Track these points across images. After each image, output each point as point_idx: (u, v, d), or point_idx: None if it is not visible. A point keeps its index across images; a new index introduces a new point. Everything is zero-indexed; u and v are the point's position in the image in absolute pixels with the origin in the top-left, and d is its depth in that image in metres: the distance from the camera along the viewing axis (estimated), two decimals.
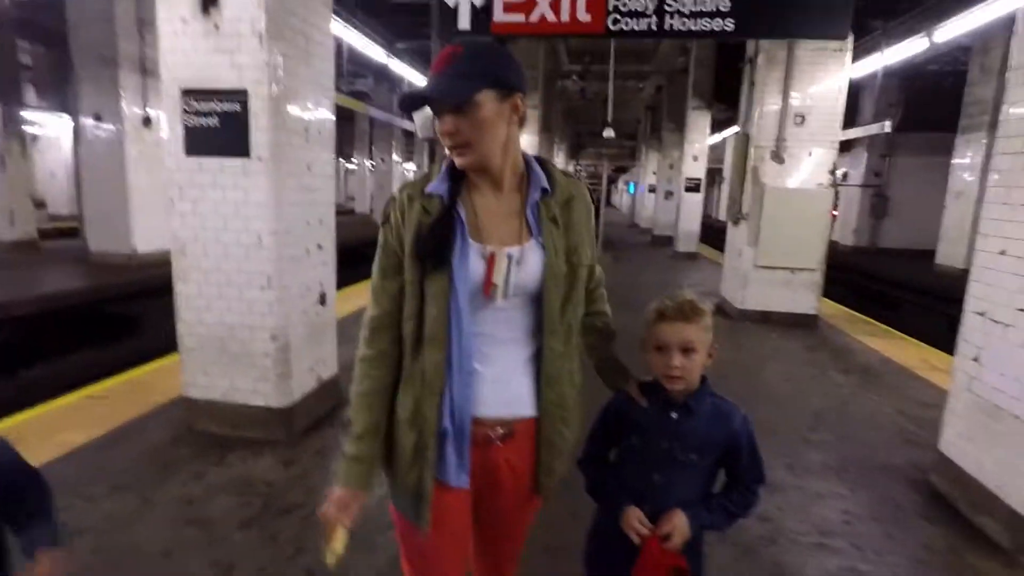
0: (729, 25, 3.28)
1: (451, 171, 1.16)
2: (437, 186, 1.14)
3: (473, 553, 1.34)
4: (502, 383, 1.16)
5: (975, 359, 2.72)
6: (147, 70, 8.47)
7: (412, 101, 1.10)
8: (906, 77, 14.69)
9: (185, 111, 2.91)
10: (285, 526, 2.41)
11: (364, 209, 23.01)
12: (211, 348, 3.14)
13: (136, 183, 8.53)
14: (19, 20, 11.09)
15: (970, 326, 2.79)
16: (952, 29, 6.25)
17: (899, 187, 16.18)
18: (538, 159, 1.21)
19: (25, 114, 11.08)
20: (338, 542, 1.11)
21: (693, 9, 3.26)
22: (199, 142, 2.94)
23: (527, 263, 1.12)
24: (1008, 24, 7.00)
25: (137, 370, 4.24)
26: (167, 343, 6.06)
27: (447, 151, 1.13)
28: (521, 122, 1.14)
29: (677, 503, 1.25)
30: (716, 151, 18.79)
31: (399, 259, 1.15)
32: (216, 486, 2.70)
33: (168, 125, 2.96)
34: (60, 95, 15.05)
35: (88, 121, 8.40)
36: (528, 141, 11.55)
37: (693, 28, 3.32)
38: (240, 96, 2.85)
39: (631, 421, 1.32)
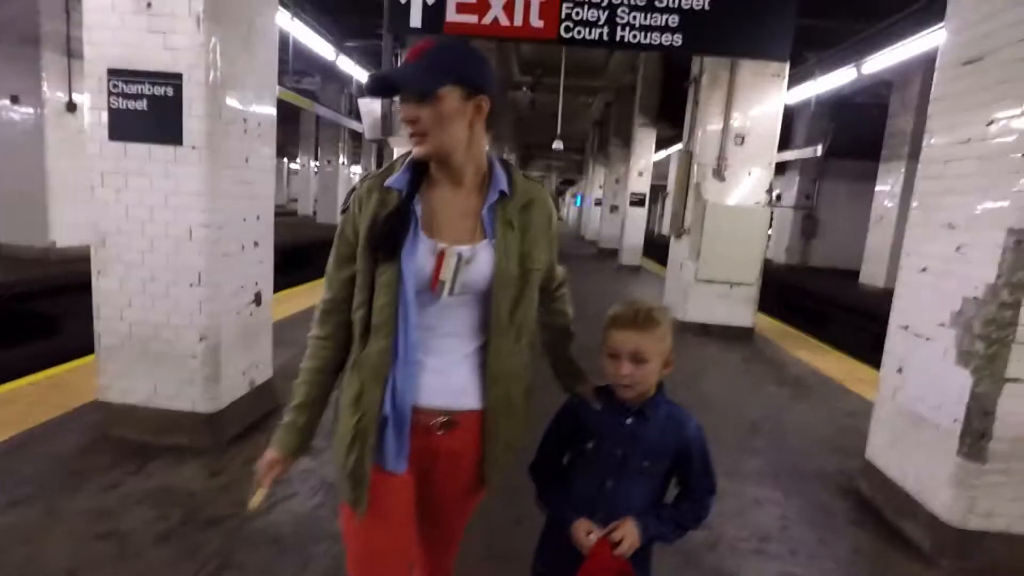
0: (677, 40, 3.37)
1: (413, 166, 1.17)
2: (397, 179, 1.16)
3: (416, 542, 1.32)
4: (445, 375, 1.18)
5: (899, 370, 2.86)
6: (73, 52, 7.93)
7: (379, 84, 1.13)
8: (835, 106, 15.62)
9: (111, 92, 2.71)
10: (207, 539, 2.24)
11: (307, 211, 22.34)
12: (132, 348, 2.92)
13: (56, 171, 7.95)
14: None
15: (894, 339, 2.94)
16: (878, 63, 6.70)
17: (827, 209, 17.14)
18: (503, 162, 1.23)
19: None
20: (256, 497, 1.23)
21: (644, 23, 3.34)
22: (125, 126, 2.74)
23: (477, 263, 1.13)
24: (924, 61, 7.59)
25: (49, 371, 3.90)
26: (87, 344, 5.65)
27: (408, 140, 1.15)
28: (488, 124, 1.16)
29: (629, 510, 1.23)
30: (660, 168, 19.36)
31: (353, 248, 1.17)
32: (132, 497, 2.49)
33: (91, 107, 2.74)
34: None
35: (3, 102, 7.77)
36: None
37: (643, 41, 3.40)
38: (174, 80, 2.67)
39: (585, 426, 1.30)
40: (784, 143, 15.70)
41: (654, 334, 1.20)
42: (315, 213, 21.38)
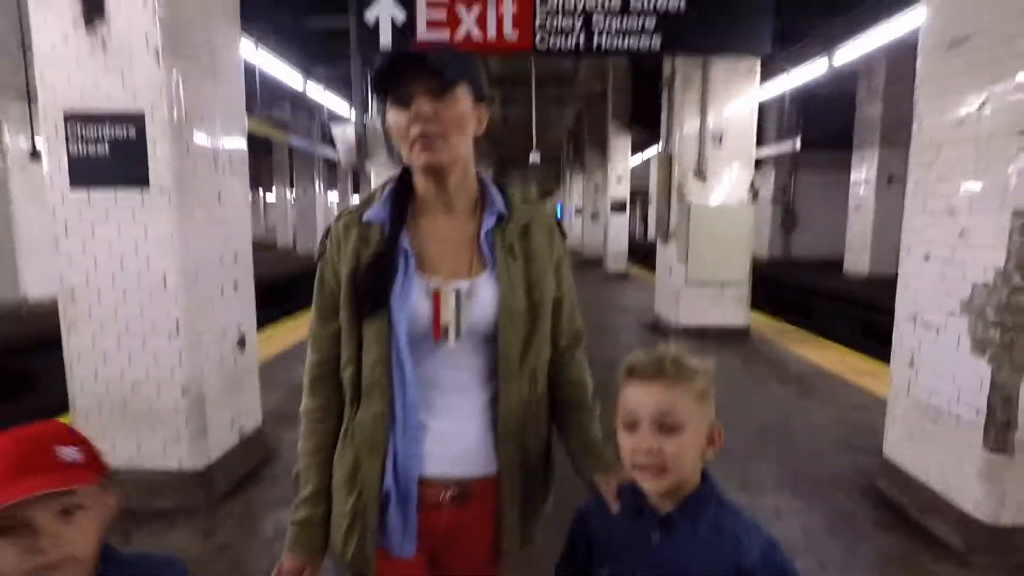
0: (656, 43, 3.31)
1: (394, 196, 1.01)
2: (377, 212, 1.00)
3: None
4: (453, 437, 1.01)
5: (910, 363, 2.79)
6: (33, 97, 7.71)
7: (394, 62, 0.92)
8: (802, 100, 15.87)
9: (69, 137, 2.56)
10: None
11: (286, 242, 22.05)
12: (111, 408, 2.73)
13: (25, 223, 7.69)
14: None
15: (903, 332, 2.86)
16: (848, 53, 6.79)
17: (805, 202, 17.35)
18: (496, 182, 1.07)
19: None
20: None
21: (620, 27, 3.27)
22: (86, 172, 2.58)
23: (479, 299, 0.98)
24: (887, 49, 7.69)
25: None
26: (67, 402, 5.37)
27: (406, 153, 0.95)
28: (477, 136, 1.01)
29: None
30: (636, 172, 19.48)
31: (337, 299, 1.01)
32: None
33: (48, 153, 2.59)
34: None
35: None
36: None
37: (620, 46, 3.33)
38: (135, 120, 2.53)
39: (598, 544, 0.95)
40: (758, 140, 15.94)
41: (690, 388, 0.84)
42: (294, 244, 21.10)
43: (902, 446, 2.85)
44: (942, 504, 2.53)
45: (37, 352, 6.74)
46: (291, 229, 21.59)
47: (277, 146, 19.78)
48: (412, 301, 0.96)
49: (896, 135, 10.67)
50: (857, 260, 12.14)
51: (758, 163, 17.28)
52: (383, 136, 4.94)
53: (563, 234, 1.12)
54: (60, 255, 2.68)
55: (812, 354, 5.84)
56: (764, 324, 7.47)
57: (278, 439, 3.54)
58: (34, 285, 7.80)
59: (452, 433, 1.00)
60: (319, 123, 17.60)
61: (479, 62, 0.99)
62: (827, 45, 7.17)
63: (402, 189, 1.02)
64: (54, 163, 2.60)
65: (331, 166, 21.17)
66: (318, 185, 19.67)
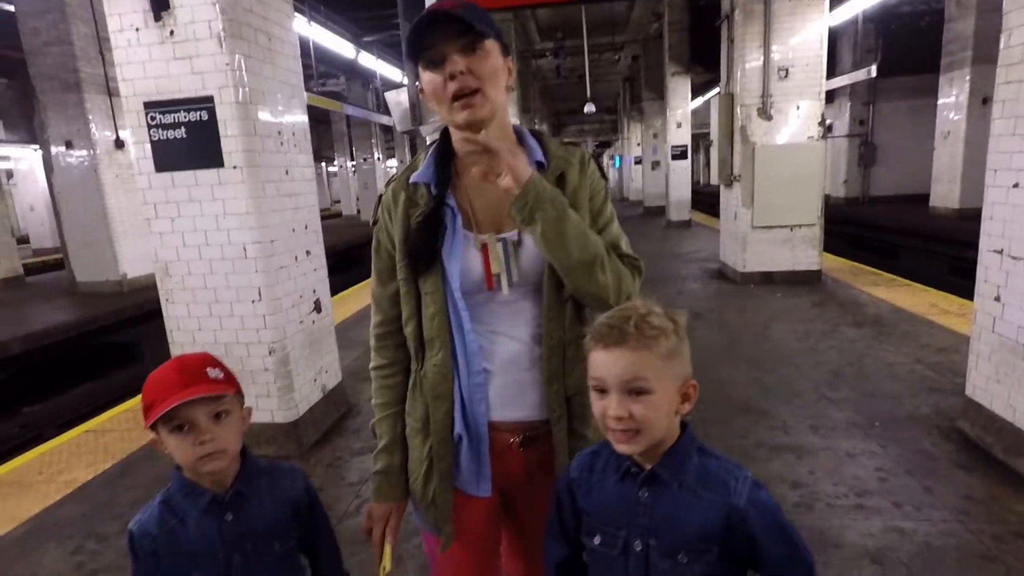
0: None
1: (438, 156, 1.05)
2: (422, 173, 1.04)
3: (505, 555, 1.24)
4: (516, 386, 1.05)
5: (996, 298, 2.63)
6: (113, 91, 8.25)
7: (423, 22, 0.92)
8: (881, 21, 14.50)
9: (150, 125, 2.76)
10: None
11: (351, 211, 22.77)
12: None
13: (117, 207, 8.35)
14: None
15: (987, 265, 2.69)
16: None
17: (885, 134, 16.06)
18: (532, 131, 1.09)
19: None
20: (387, 558, 1.10)
21: None
22: (169, 156, 2.79)
23: (526, 248, 1.01)
24: None
25: (136, 399, 4.12)
26: None
27: (446, 112, 0.97)
28: (508, 90, 1.02)
29: None
30: (697, 115, 18.58)
31: (393, 260, 1.06)
32: None
33: (134, 142, 2.82)
34: (29, 126, 14.76)
35: (59, 150, 8.19)
36: None
37: None
38: (205, 103, 2.70)
39: (586, 513, 0.91)
40: (830, 68, 14.78)
41: (655, 349, 0.81)
42: (358, 211, 21.76)
43: (987, 385, 2.71)
44: None
45: (144, 324, 7.44)
46: (354, 197, 22.22)
47: (335, 117, 20.21)
48: (462, 255, 1.00)
49: (992, 51, 9.60)
50: (946, 193, 11.23)
51: (831, 95, 16.16)
52: None
53: (603, 174, 1.10)
54: (152, 235, 2.93)
55: (891, 295, 5.55)
56: (839, 266, 7.13)
57: (357, 394, 3.79)
58: (130, 266, 8.51)
59: (515, 381, 1.04)
60: (373, 91, 17.84)
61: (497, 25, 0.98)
62: None
63: (444, 149, 1.05)
64: (140, 150, 2.82)
65: (387, 132, 21.46)
66: (377, 153, 20.07)
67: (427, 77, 0.96)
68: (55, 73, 7.95)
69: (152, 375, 0.98)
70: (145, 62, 2.71)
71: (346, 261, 11.99)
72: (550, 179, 1.01)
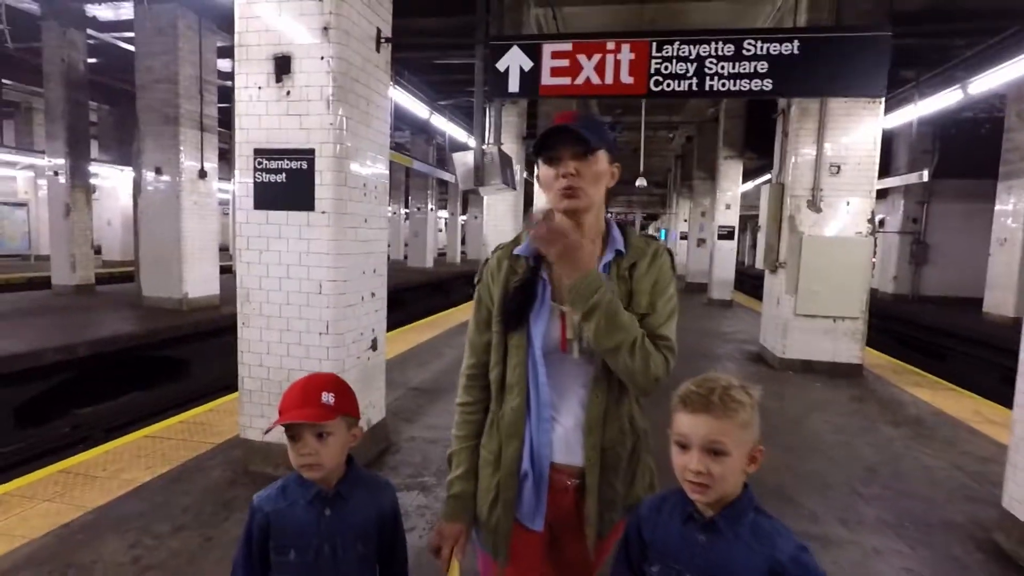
0: (767, 85, 3.44)
1: None
2: (525, 248, 1.26)
3: None
4: (573, 432, 1.22)
5: None
6: (205, 127, 9.07)
7: (549, 132, 1.19)
8: (940, 125, 14.64)
9: (256, 169, 3.15)
10: None
11: (397, 255, 23.55)
12: (269, 391, 3.28)
13: (190, 231, 9.01)
14: (90, 82, 12.04)
15: None
16: (987, 82, 6.32)
17: (938, 234, 15.87)
18: (619, 223, 1.31)
19: (90, 167, 11.85)
20: (454, 571, 1.23)
21: (732, 71, 3.43)
22: (267, 197, 3.16)
23: None
24: None
25: (193, 411, 4.41)
26: (218, 384, 6.27)
27: (553, 199, 1.20)
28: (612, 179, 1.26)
29: None
30: (747, 198, 18.83)
31: (491, 314, 1.27)
32: None
33: (239, 182, 3.20)
34: (120, 150, 16.10)
35: (149, 174, 8.96)
36: None
37: (732, 88, 3.49)
38: (308, 155, 3.07)
39: (651, 543, 1.06)
40: (884, 166, 14.88)
41: (735, 419, 0.96)
42: (406, 257, 22.48)
43: (1023, 497, 2.71)
44: None
45: (199, 342, 7.88)
46: (403, 243, 23.00)
47: (395, 166, 21.27)
48: (546, 320, 1.21)
49: None
50: (1001, 300, 10.99)
51: (885, 191, 16.16)
52: (499, 163, 5.37)
53: (673, 267, 1.28)
54: (240, 263, 3.27)
55: (933, 397, 5.47)
56: (882, 363, 7.05)
57: (397, 433, 3.97)
58: (192, 286, 9.09)
59: (572, 428, 1.22)
60: (434, 145, 18.81)
61: (611, 133, 1.22)
62: (966, 71, 6.72)
63: None
64: (243, 189, 3.20)
65: (442, 186, 22.38)
66: (430, 204, 20.93)
67: (544, 170, 1.22)
68: (159, 107, 8.81)
69: (290, 385, 1.22)
70: (261, 115, 3.12)
71: (390, 303, 12.39)
72: (625, 265, 1.22)
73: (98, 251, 17.43)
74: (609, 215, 1.32)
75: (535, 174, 1.29)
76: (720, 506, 0.99)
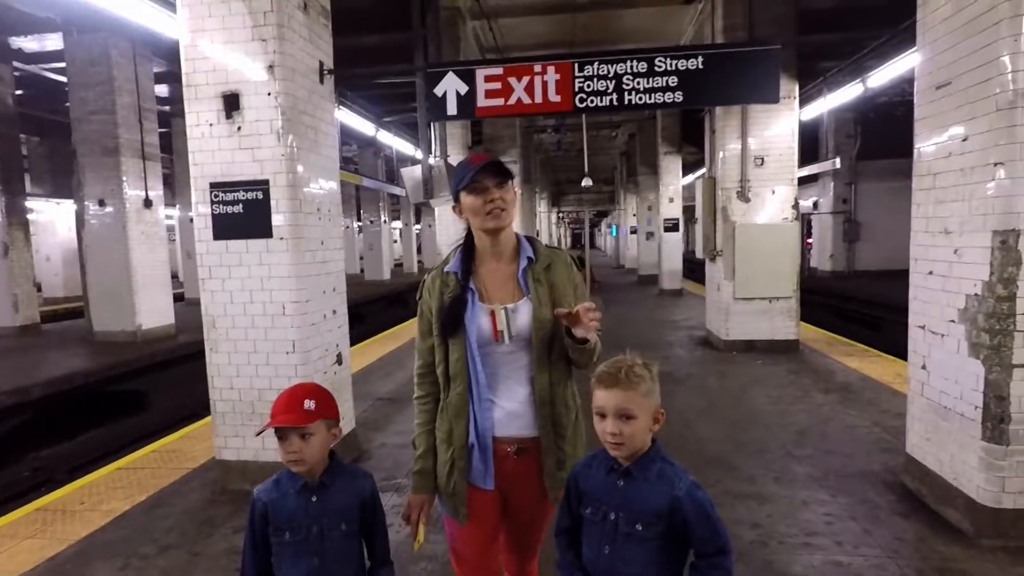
0: (679, 97, 3.82)
1: (463, 254, 1.57)
2: (454, 265, 1.56)
3: (503, 547, 1.67)
4: (512, 412, 1.51)
5: (923, 367, 3.09)
6: (147, 155, 8.98)
7: (493, 166, 1.48)
8: (860, 111, 15.69)
9: (213, 201, 3.31)
10: None
11: (354, 269, 23.46)
12: (242, 412, 3.43)
13: (139, 262, 8.87)
14: (20, 115, 11.66)
15: (915, 338, 3.18)
16: (885, 74, 6.97)
17: (868, 212, 16.97)
18: (527, 237, 1.62)
19: (26, 203, 11.48)
20: (421, 534, 1.53)
21: (647, 86, 3.80)
22: (226, 227, 3.32)
23: (520, 313, 1.50)
24: None
25: (164, 440, 4.49)
26: (183, 412, 6.29)
27: (480, 221, 1.48)
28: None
29: None
30: (689, 190, 19.62)
31: (430, 323, 1.56)
32: None
33: (197, 214, 3.35)
34: (55, 182, 15.53)
35: (93, 206, 8.79)
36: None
37: (648, 101, 3.86)
38: (262, 185, 3.26)
39: (584, 490, 1.33)
40: (813, 153, 15.78)
41: (638, 389, 1.22)
42: (362, 271, 22.41)
43: (921, 442, 3.13)
44: (954, 492, 2.82)
45: (157, 372, 7.81)
46: (358, 256, 22.90)
47: (343, 182, 21.18)
48: (478, 319, 1.50)
49: None
50: None
51: (817, 176, 17.08)
52: (446, 176, 5.64)
53: (579, 266, 1.64)
54: (204, 292, 3.42)
55: (862, 365, 6.00)
56: (817, 337, 7.61)
57: (368, 442, 4.17)
58: (146, 317, 8.96)
59: (511, 408, 1.51)
60: (383, 159, 18.86)
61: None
62: (866, 67, 7.37)
63: (467, 247, 1.57)
64: (201, 221, 3.35)
65: (394, 199, 22.40)
66: (383, 216, 20.94)
67: (469, 200, 1.49)
68: (97, 138, 8.66)
69: (279, 394, 1.44)
70: (215, 150, 3.28)
71: (352, 320, 12.42)
72: (541, 267, 1.54)
73: (38, 288, 16.76)
74: (516, 233, 1.60)
75: (455, 207, 1.55)
76: (634, 458, 1.26)
